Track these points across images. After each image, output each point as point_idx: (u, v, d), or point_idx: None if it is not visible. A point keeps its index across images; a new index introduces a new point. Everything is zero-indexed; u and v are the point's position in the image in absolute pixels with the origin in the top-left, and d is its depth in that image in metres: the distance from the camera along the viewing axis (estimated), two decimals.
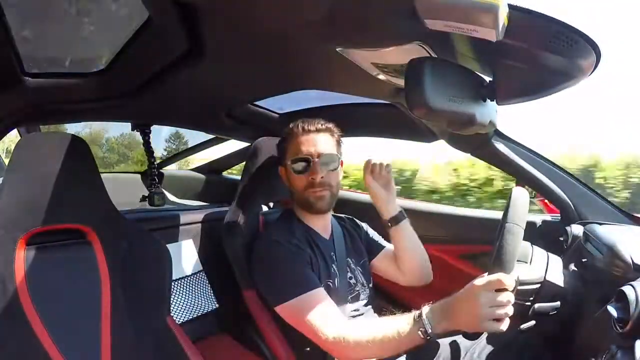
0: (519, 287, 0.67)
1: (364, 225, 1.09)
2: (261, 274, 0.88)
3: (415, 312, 0.69)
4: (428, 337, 0.66)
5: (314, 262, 0.87)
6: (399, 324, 0.69)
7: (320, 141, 0.90)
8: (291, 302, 0.79)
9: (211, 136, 1.60)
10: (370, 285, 0.99)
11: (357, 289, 0.94)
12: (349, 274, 0.94)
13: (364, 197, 1.53)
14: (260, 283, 0.88)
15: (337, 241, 0.97)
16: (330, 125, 0.93)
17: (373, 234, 1.09)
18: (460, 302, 0.65)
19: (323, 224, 0.97)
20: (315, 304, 0.78)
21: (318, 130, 0.91)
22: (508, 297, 0.62)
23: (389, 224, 0.97)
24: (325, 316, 0.76)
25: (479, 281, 0.63)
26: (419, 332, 0.66)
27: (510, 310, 0.62)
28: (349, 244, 1.01)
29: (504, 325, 0.62)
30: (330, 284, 0.88)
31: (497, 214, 1.23)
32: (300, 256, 0.84)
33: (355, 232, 1.05)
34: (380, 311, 1.05)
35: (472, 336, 0.68)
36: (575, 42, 0.52)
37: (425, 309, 0.68)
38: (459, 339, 0.91)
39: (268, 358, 0.93)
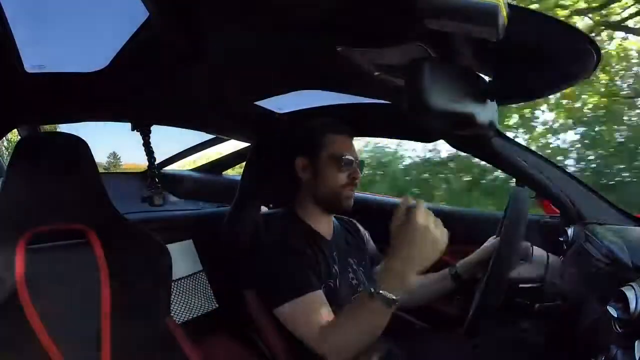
0: (520, 285, 0.67)
1: (366, 233, 1.09)
2: (260, 274, 0.88)
3: (367, 290, 0.70)
4: (394, 303, 0.67)
5: (314, 263, 0.86)
6: (362, 306, 0.70)
7: (354, 146, 0.95)
8: (287, 305, 0.79)
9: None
10: None
11: (360, 289, 0.94)
12: (351, 275, 0.94)
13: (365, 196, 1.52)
14: (259, 283, 0.88)
15: (339, 242, 0.97)
16: None
17: (372, 245, 1.09)
18: (402, 247, 0.67)
19: (327, 225, 0.97)
20: (311, 309, 0.78)
21: (351, 135, 0.95)
22: (433, 219, 0.67)
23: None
24: (319, 322, 0.76)
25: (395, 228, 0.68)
26: (380, 302, 0.67)
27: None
28: (351, 244, 1.00)
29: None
30: (332, 285, 0.88)
31: (498, 214, 1.23)
32: (299, 257, 0.84)
33: (357, 235, 1.05)
34: None
35: (472, 334, 0.68)
36: (576, 42, 0.52)
37: (376, 284, 0.69)
38: (458, 338, 0.91)
39: (268, 358, 0.93)
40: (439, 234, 0.67)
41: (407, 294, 0.68)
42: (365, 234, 1.09)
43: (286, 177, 0.97)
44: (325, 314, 0.78)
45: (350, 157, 0.89)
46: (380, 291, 0.67)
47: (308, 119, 0.93)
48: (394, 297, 0.66)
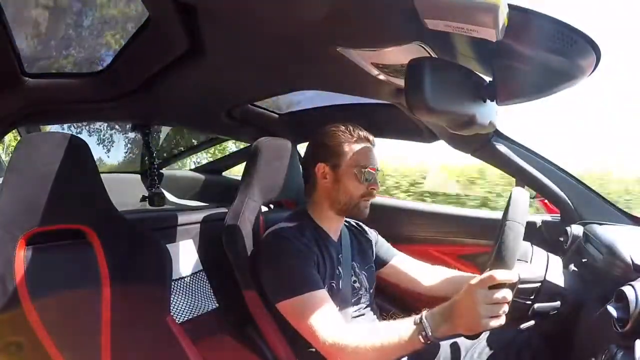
0: (519, 286, 0.67)
1: (374, 234, 1.09)
2: (265, 268, 0.87)
3: (415, 317, 0.69)
4: (428, 341, 0.66)
5: (320, 262, 0.87)
6: (399, 329, 0.69)
7: (377, 156, 0.93)
8: (293, 299, 0.79)
9: None
10: (372, 290, 0.99)
11: (361, 292, 0.94)
12: (353, 277, 0.94)
13: None
14: (263, 278, 0.88)
15: (345, 244, 0.97)
16: None
17: (382, 242, 1.09)
18: (459, 303, 0.66)
19: (336, 227, 0.97)
20: (316, 305, 0.77)
21: (374, 144, 0.93)
22: (504, 293, 0.62)
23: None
24: (325, 318, 0.76)
25: (474, 280, 0.64)
26: (419, 337, 0.66)
27: (506, 307, 0.62)
28: (356, 248, 1.01)
29: (502, 320, 0.62)
30: (334, 285, 0.88)
31: (497, 214, 1.23)
32: (307, 255, 0.84)
33: (363, 239, 1.05)
34: (381, 313, 1.05)
35: (473, 336, 0.68)
36: (575, 42, 0.52)
37: (425, 313, 0.68)
38: (459, 339, 0.91)
39: (269, 359, 0.93)
40: (497, 311, 0.62)
41: (437, 340, 0.67)
42: (373, 236, 1.09)
43: (305, 179, 0.97)
44: (330, 310, 0.78)
45: (371, 169, 0.89)
46: (424, 320, 0.67)
47: (330, 125, 0.93)
48: (430, 333, 0.65)
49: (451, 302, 0.67)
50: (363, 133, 0.91)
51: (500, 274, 0.62)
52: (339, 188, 0.90)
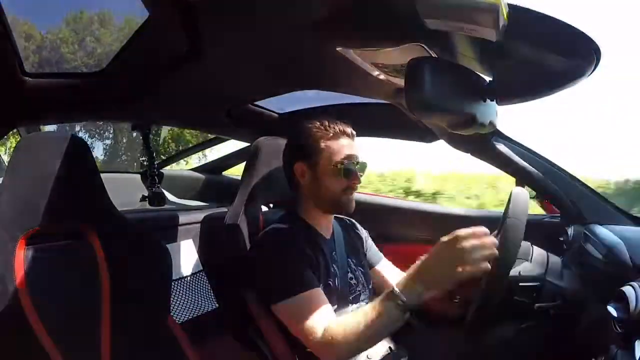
0: (520, 284, 0.67)
1: (365, 233, 1.09)
2: (260, 271, 0.87)
3: (387, 289, 0.70)
4: (406, 310, 0.67)
5: (314, 262, 0.86)
6: (377, 306, 0.70)
7: (358, 147, 0.90)
8: (286, 301, 0.79)
9: None
10: (370, 286, 0.99)
11: (359, 289, 0.94)
12: (350, 274, 0.94)
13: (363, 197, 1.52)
14: (259, 280, 0.88)
15: (338, 241, 0.97)
16: None
17: (372, 244, 1.09)
18: (424, 261, 0.67)
19: (327, 225, 0.96)
20: (306, 306, 0.77)
21: (353, 136, 0.91)
22: (470, 242, 0.63)
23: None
24: (313, 318, 0.76)
25: (444, 238, 0.66)
26: (397, 306, 0.67)
27: (478, 252, 0.62)
28: (350, 244, 1.00)
29: (478, 266, 0.62)
30: (331, 283, 0.88)
31: (498, 214, 1.23)
32: (300, 256, 0.84)
33: (355, 235, 1.05)
34: None
35: (472, 333, 0.68)
36: (575, 42, 0.52)
37: (395, 282, 0.69)
38: (460, 340, 0.91)
39: (268, 358, 0.93)
40: (466, 259, 0.63)
41: (414, 306, 0.67)
42: (364, 234, 1.09)
43: (287, 179, 0.97)
44: (325, 311, 0.78)
45: (350, 163, 0.87)
46: (395, 289, 0.68)
47: (306, 123, 0.91)
48: (404, 299, 0.66)
49: (417, 264, 0.68)
50: (340, 127, 0.88)
51: (463, 230, 0.63)
52: (319, 186, 0.88)
